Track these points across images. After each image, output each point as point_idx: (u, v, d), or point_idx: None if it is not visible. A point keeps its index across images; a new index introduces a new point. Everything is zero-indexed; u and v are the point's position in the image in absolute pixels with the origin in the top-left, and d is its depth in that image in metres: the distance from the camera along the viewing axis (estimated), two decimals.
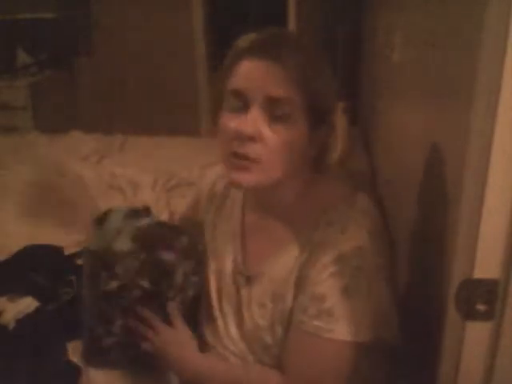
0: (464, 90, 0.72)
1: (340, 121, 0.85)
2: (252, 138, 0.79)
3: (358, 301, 0.81)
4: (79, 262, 1.72)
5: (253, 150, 0.79)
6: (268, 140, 0.79)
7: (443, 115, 0.95)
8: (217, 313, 0.97)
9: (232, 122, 0.81)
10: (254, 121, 0.78)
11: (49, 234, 1.88)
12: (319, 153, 0.87)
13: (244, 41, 0.83)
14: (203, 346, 0.98)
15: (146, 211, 1.04)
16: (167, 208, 2.11)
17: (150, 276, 0.94)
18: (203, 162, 2.46)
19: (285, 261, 0.89)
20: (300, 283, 0.86)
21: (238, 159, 0.81)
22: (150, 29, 3.70)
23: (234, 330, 0.94)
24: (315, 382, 0.84)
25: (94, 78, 3.89)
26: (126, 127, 3.11)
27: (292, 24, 3.38)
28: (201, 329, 1.01)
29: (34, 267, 1.66)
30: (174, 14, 3.68)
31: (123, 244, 0.94)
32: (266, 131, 0.79)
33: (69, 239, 1.85)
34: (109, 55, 3.80)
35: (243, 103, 0.80)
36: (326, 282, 0.81)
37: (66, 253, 1.79)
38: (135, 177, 2.37)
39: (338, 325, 0.80)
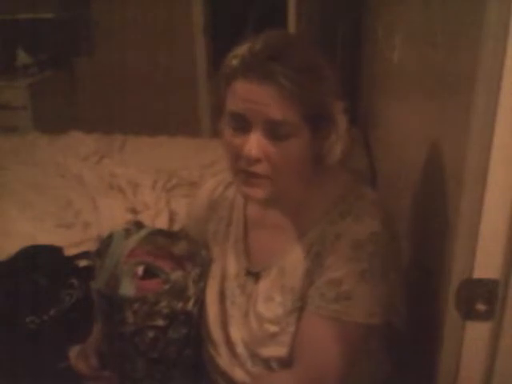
0: (464, 90, 0.72)
1: (340, 121, 0.85)
2: (258, 160, 0.81)
3: (373, 285, 0.83)
4: (80, 263, 1.72)
5: (261, 168, 0.82)
6: (273, 157, 0.82)
7: (443, 115, 0.95)
8: (216, 316, 0.97)
9: (236, 140, 0.83)
10: (257, 143, 0.80)
11: (49, 234, 1.88)
12: (323, 150, 0.87)
13: (236, 58, 0.81)
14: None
15: (139, 225, 1.01)
16: (167, 208, 2.11)
17: (167, 305, 0.91)
18: (203, 162, 2.47)
19: (296, 254, 0.90)
20: (311, 274, 0.88)
21: (247, 176, 0.84)
22: (150, 28, 3.70)
23: (234, 331, 0.94)
24: (327, 365, 0.85)
25: (93, 77, 3.88)
26: (125, 127, 3.10)
27: (292, 24, 3.37)
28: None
29: (35, 268, 1.66)
30: (174, 13, 3.67)
31: (127, 288, 0.90)
32: (270, 150, 0.81)
33: (69, 239, 1.84)
34: (109, 55, 3.80)
35: (244, 124, 0.81)
36: (343, 268, 0.84)
37: (66, 253, 1.79)
38: (135, 177, 2.37)
39: (354, 308, 0.83)
